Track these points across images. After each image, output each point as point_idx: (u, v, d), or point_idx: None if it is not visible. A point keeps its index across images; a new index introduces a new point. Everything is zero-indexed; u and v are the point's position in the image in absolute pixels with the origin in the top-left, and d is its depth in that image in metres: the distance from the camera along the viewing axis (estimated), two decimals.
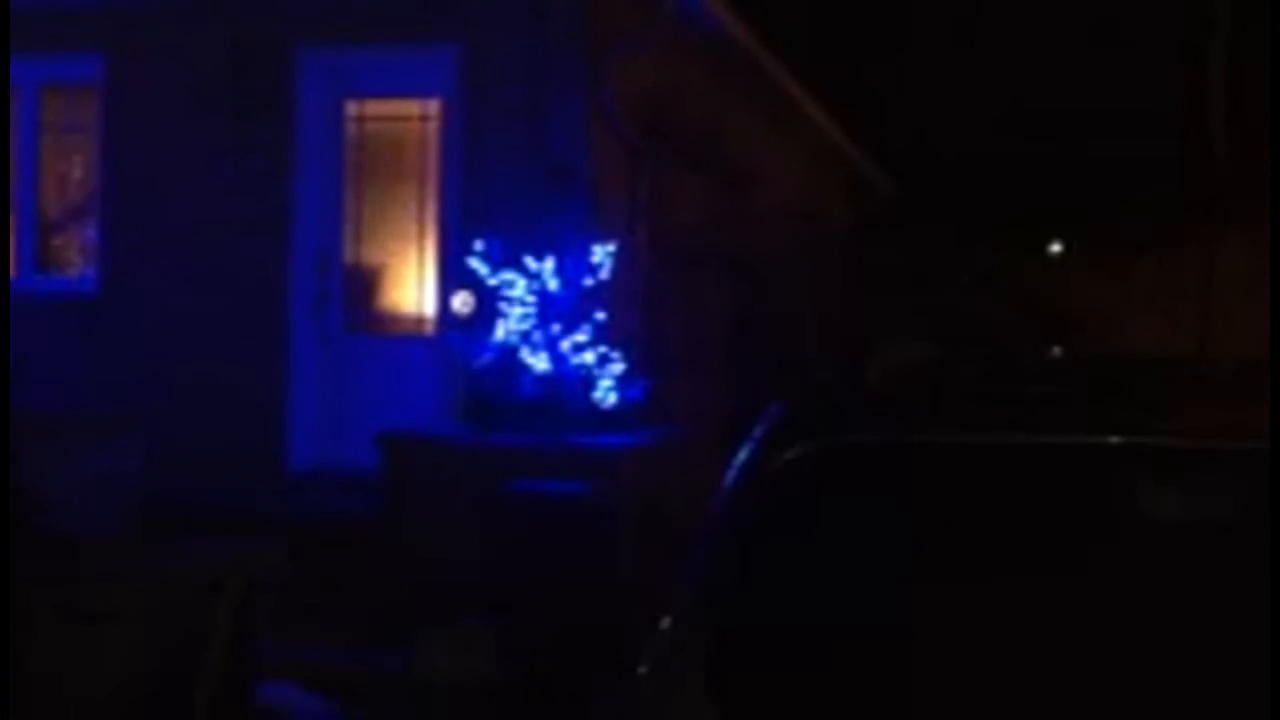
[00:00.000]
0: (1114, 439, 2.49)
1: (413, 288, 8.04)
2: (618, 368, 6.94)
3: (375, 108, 8.11)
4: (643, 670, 2.61)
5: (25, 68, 8.34)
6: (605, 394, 6.90)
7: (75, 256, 8.86)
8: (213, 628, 4.47)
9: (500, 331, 6.94)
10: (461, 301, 7.10)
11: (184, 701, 4.54)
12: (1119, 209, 16.72)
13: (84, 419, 7.28)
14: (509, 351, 6.91)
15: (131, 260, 8.10)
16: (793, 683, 2.36)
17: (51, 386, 7.44)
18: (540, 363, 6.86)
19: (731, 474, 2.84)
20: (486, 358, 6.92)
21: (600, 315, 6.94)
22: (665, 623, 2.74)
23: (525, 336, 6.90)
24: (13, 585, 4.55)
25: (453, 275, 7.57)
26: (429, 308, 7.92)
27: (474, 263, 7.04)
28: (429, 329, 7.89)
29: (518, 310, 6.92)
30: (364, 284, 8.09)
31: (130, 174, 8.15)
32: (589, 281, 7.00)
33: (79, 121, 8.52)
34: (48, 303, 8.29)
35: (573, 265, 7.01)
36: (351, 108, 8.03)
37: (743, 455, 2.86)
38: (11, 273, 8.72)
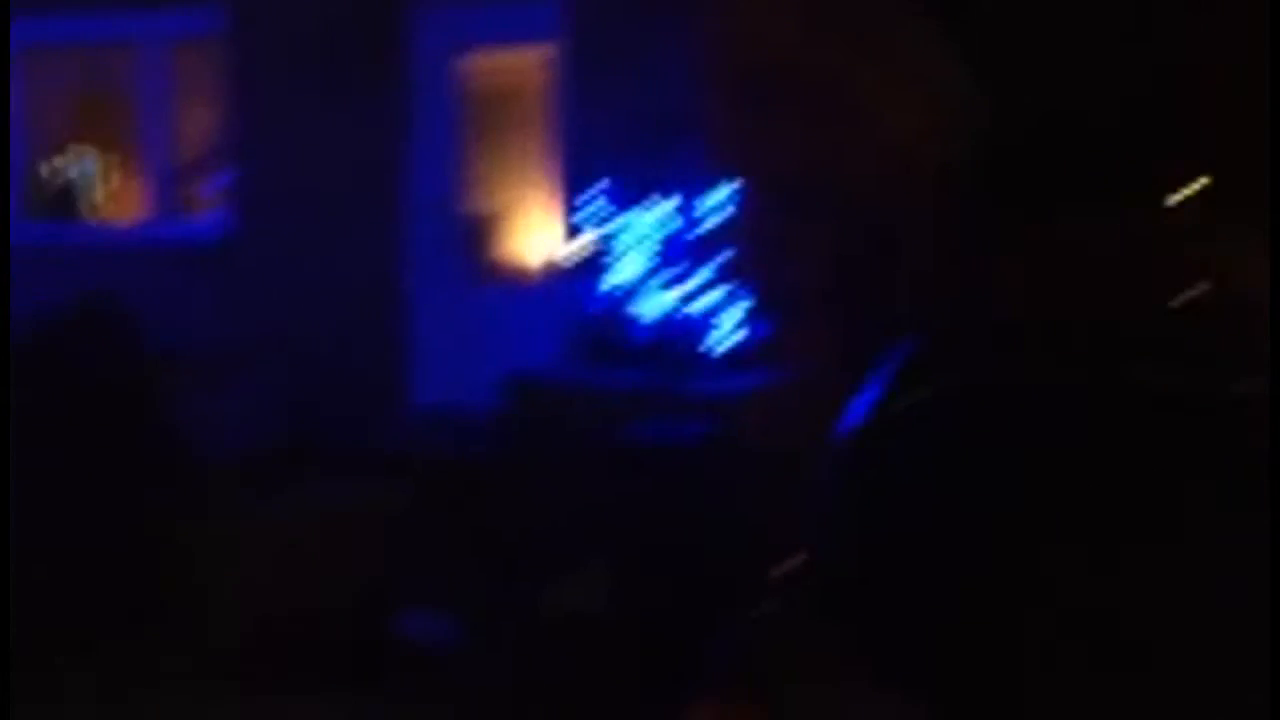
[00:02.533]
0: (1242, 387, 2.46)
1: (531, 234, 8.14)
2: (737, 310, 6.96)
3: (489, 56, 8.17)
4: (766, 608, 2.66)
5: (154, 22, 8.61)
6: (725, 336, 6.93)
7: (206, 204, 9.14)
8: (354, 554, 4.64)
9: (618, 276, 7.00)
10: (580, 246, 7.18)
11: (323, 628, 4.72)
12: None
13: (214, 359, 7.54)
14: (627, 295, 6.98)
15: (259, 208, 8.33)
16: (918, 620, 2.38)
17: (183, 328, 7.72)
18: (659, 306, 6.91)
19: (857, 413, 2.85)
20: (605, 301, 7.00)
21: (718, 257, 6.96)
22: (790, 561, 2.78)
23: (643, 279, 6.96)
24: (150, 514, 4.77)
25: (570, 220, 7.64)
26: (547, 253, 8.01)
27: (591, 207, 7.10)
28: (547, 274, 7.99)
29: (636, 253, 6.97)
30: (483, 230, 8.21)
31: (256, 124, 8.36)
32: (706, 223, 7.02)
33: (206, 72, 8.75)
34: (181, 249, 8.58)
35: (689, 207, 7.04)
36: (468, 56, 8.10)
37: (870, 394, 2.87)
38: (150, 219, 9.05)
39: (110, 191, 10.78)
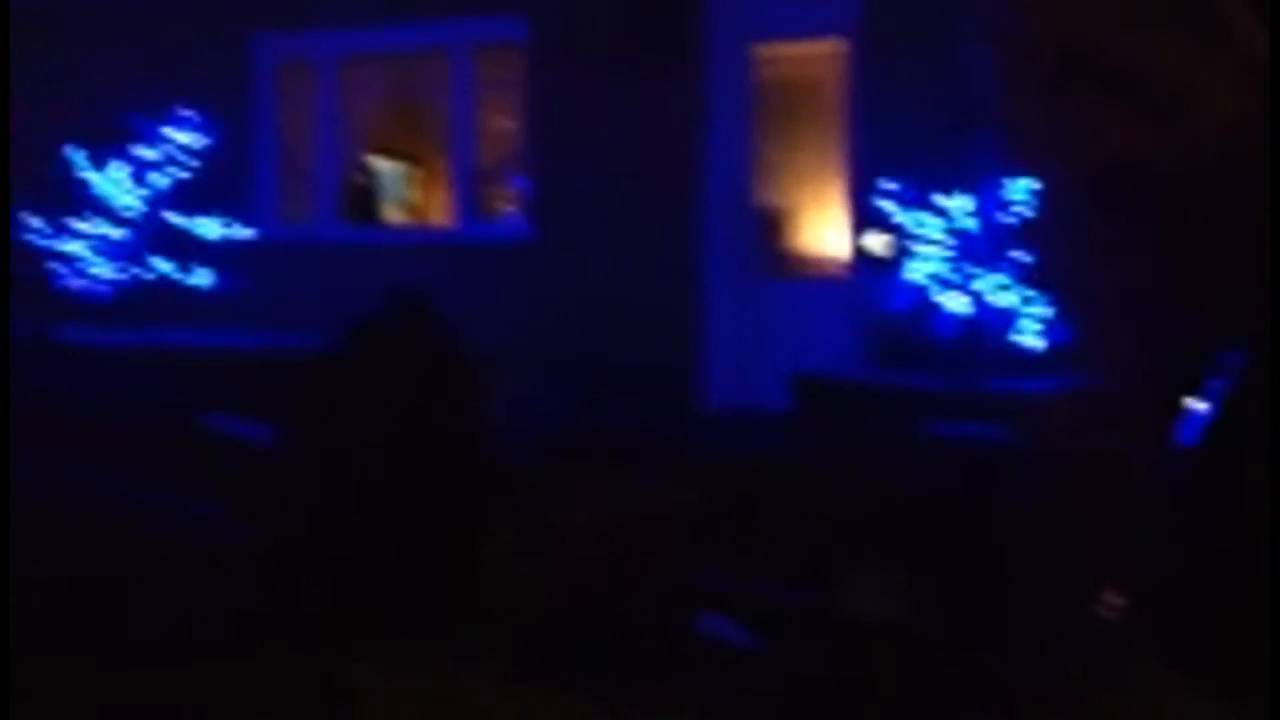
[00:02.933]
0: None
1: (822, 230, 8.05)
2: (1039, 310, 6.66)
3: (782, 49, 8.12)
4: (1100, 620, 2.49)
5: (459, 30, 8.96)
6: (1025, 337, 6.65)
7: (506, 206, 9.46)
8: (651, 553, 4.67)
9: (913, 272, 6.82)
10: (877, 242, 7.03)
11: (624, 619, 4.76)
12: None
13: (511, 357, 7.78)
14: (922, 293, 6.79)
15: (555, 208, 8.55)
16: (1256, 637, 2.19)
17: (483, 327, 8.00)
18: (956, 304, 6.69)
19: (1188, 428, 2.64)
20: (899, 299, 6.83)
21: (1020, 255, 6.68)
22: (1118, 574, 2.60)
23: (939, 277, 6.75)
24: (460, 509, 4.93)
25: (863, 216, 7.51)
26: (839, 249, 7.90)
27: (885, 203, 6.94)
28: (839, 271, 7.88)
29: (931, 250, 6.78)
30: (774, 227, 8.17)
31: (553, 126, 8.58)
32: (1007, 220, 6.74)
33: (506, 78, 9.05)
34: (481, 249, 8.91)
35: (989, 203, 6.78)
36: (760, 50, 8.08)
37: (1201, 409, 2.65)
38: (451, 222, 9.44)
39: (416, 195, 11.33)
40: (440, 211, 10.26)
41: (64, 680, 4.24)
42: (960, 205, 6.74)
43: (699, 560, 5.63)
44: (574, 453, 7.32)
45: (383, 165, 11.15)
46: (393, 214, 11.17)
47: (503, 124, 9.32)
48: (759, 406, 7.71)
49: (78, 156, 8.89)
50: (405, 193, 11.43)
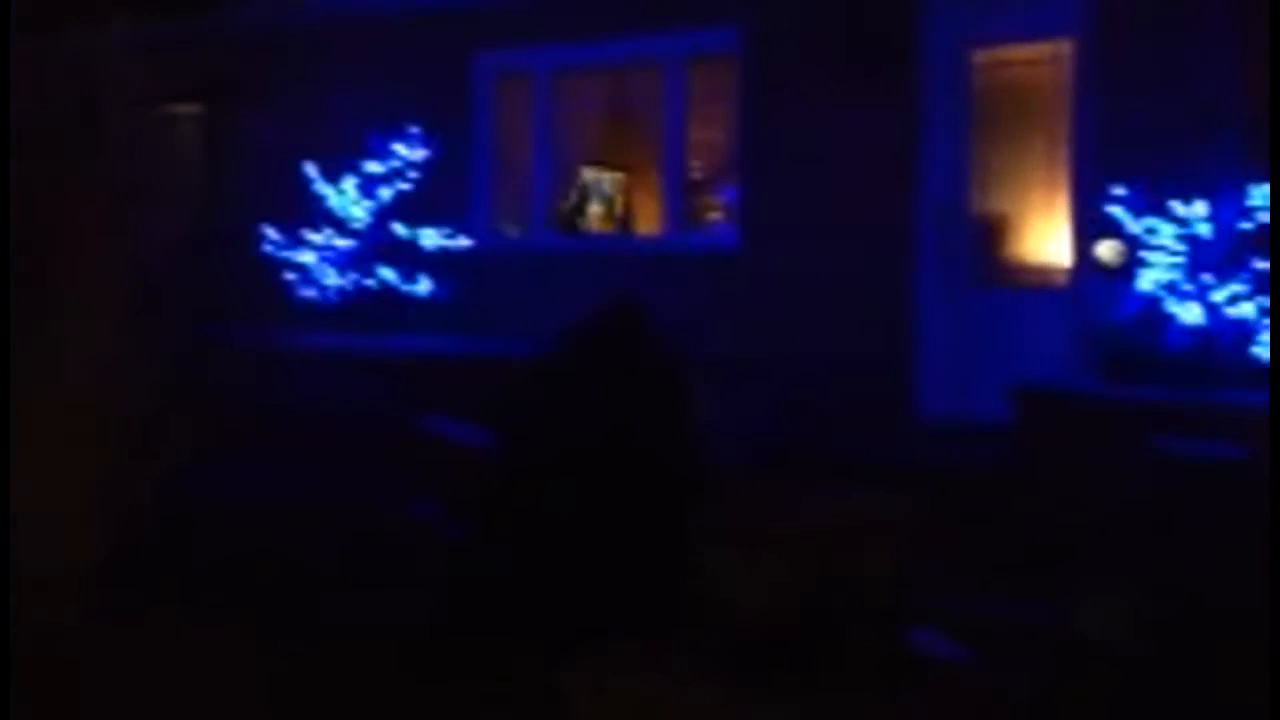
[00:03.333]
0: None
1: (1043, 238, 7.80)
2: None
3: (1002, 53, 7.91)
4: None
5: (672, 42, 9.05)
6: (1263, 349, 6.30)
7: (714, 215, 9.50)
8: (869, 565, 4.59)
9: (1143, 281, 6.54)
10: (1108, 250, 6.76)
11: (839, 632, 4.70)
12: None
13: (727, 364, 7.78)
14: (1153, 302, 6.51)
15: (766, 217, 8.54)
16: None
17: (695, 334, 8.04)
18: (1189, 314, 6.39)
19: None
20: (1128, 309, 6.56)
21: (1260, 264, 6.33)
22: None
23: (1171, 286, 6.46)
24: (674, 514, 4.95)
25: (1087, 223, 7.25)
26: (1060, 258, 7.64)
27: (1114, 209, 6.68)
28: (1060, 280, 7.62)
29: (1163, 258, 6.49)
30: (991, 235, 7.96)
31: (764, 136, 8.57)
32: (1245, 227, 6.40)
33: (717, 89, 9.08)
34: (690, 259, 8.96)
35: (1226, 210, 6.45)
36: (978, 55, 7.89)
37: None
38: (660, 232, 9.53)
39: (626, 205, 11.48)
40: (649, 221, 10.38)
41: (297, 665, 4.45)
42: (1194, 211, 6.43)
43: (914, 573, 5.52)
44: (785, 462, 7.28)
45: (594, 176, 11.35)
46: (603, 224, 11.36)
47: (712, 134, 9.36)
48: (974, 417, 7.52)
49: (313, 172, 9.34)
50: (615, 203, 11.61)
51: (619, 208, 11.62)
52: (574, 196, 11.06)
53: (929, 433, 7.66)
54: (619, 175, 11.48)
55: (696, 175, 9.50)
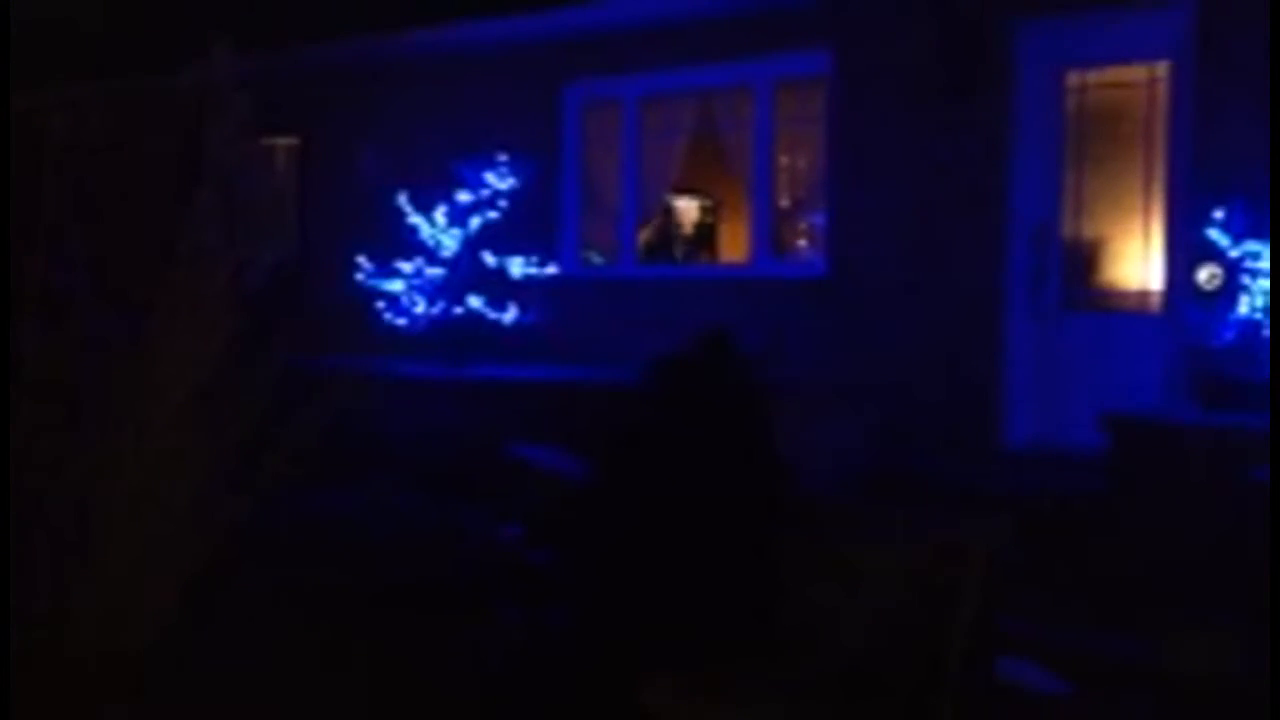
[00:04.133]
0: None
1: (1135, 262, 7.66)
2: None
3: (1096, 76, 7.81)
4: None
5: (762, 67, 9.06)
6: None
7: (804, 241, 9.47)
8: (958, 594, 4.54)
9: (1242, 306, 6.40)
10: (1208, 275, 6.62)
11: (927, 662, 4.65)
12: None
13: (813, 392, 7.75)
14: (1253, 328, 6.36)
15: (853, 243, 8.49)
16: None
17: (783, 361, 8.02)
18: None
19: None
20: (1226, 335, 6.42)
21: None
22: None
23: (1271, 311, 6.30)
24: (767, 543, 4.93)
25: (1181, 247, 7.11)
26: (1154, 282, 7.50)
27: (1211, 232, 6.55)
28: (1154, 305, 7.48)
29: (1262, 283, 6.34)
30: (1082, 259, 7.84)
31: (852, 160, 8.54)
32: None
33: (805, 114, 9.08)
34: (781, 285, 8.94)
35: None
36: (1072, 78, 7.80)
37: None
38: (747, 259, 9.52)
39: (714, 231, 11.50)
40: (737, 248, 10.38)
41: (380, 689, 4.50)
42: None
43: (1008, 603, 5.44)
44: (874, 488, 7.22)
45: (682, 203, 11.39)
46: (691, 251, 11.38)
47: (800, 160, 9.35)
48: (1063, 444, 7.41)
49: (404, 202, 9.50)
50: (703, 230, 11.63)
51: (707, 235, 11.65)
52: (663, 224, 11.11)
53: (1018, 460, 7.56)
54: (706, 202, 11.51)
55: (784, 201, 9.49)
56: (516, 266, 9.41)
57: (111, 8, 11.12)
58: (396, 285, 9.58)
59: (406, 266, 9.51)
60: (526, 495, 5.73)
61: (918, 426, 7.83)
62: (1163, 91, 7.47)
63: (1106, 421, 6.59)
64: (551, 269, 9.54)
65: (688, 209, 11.58)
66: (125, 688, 3.22)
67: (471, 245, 9.47)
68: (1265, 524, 5.34)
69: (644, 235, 10.51)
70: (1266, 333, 6.32)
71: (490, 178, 9.48)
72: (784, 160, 9.41)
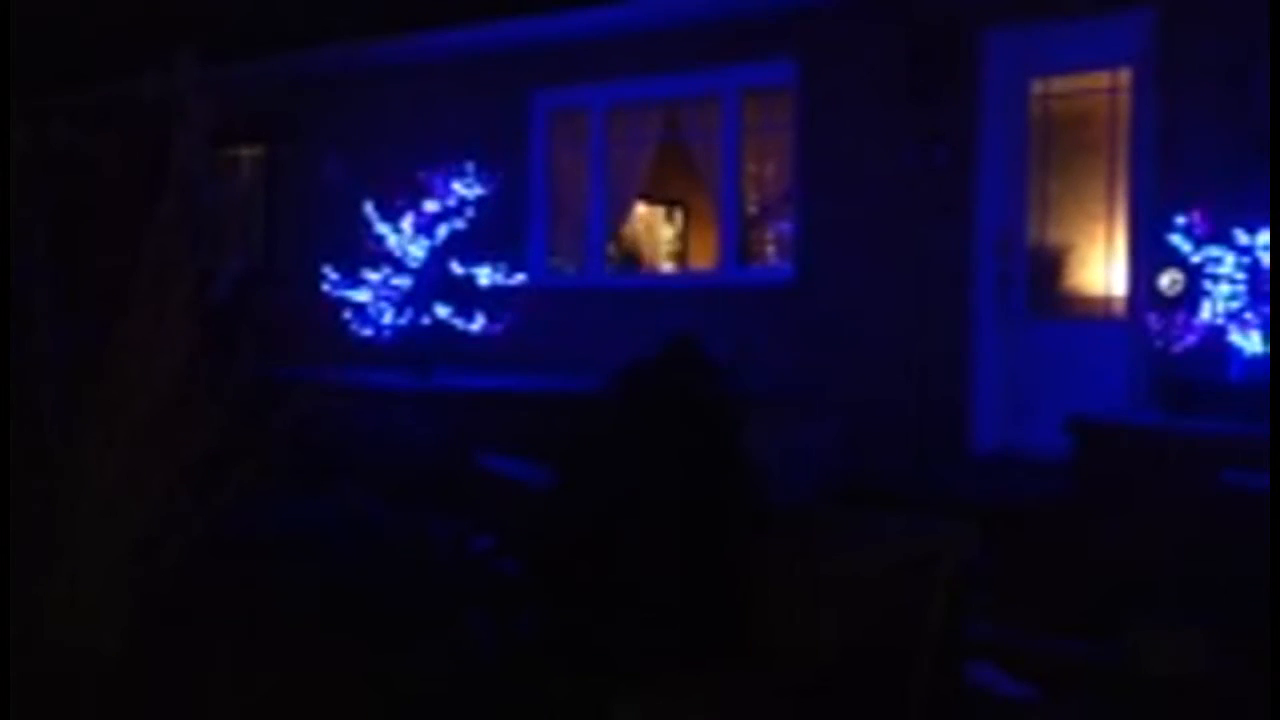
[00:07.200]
0: None
1: (1100, 268, 7.73)
2: None
3: (1060, 83, 7.88)
4: None
5: (728, 76, 9.09)
6: None
7: (771, 249, 9.50)
8: (927, 600, 4.56)
9: (1205, 311, 6.46)
10: (1170, 281, 6.69)
11: (897, 668, 4.67)
12: None
13: (783, 399, 7.77)
14: (1215, 333, 6.42)
15: (821, 251, 8.53)
16: None
17: (751, 369, 8.03)
18: (1252, 345, 6.30)
19: None
20: (1189, 340, 6.48)
21: None
22: None
23: (1234, 316, 6.37)
24: (736, 548, 4.93)
25: (1144, 253, 7.18)
26: (1118, 288, 7.57)
27: (1174, 238, 6.61)
28: (1118, 310, 7.54)
29: (1225, 288, 6.41)
30: (1047, 266, 7.91)
31: (819, 169, 8.58)
32: None
33: (771, 122, 9.11)
34: (748, 292, 8.96)
35: None
36: (1037, 86, 7.86)
37: None
38: (715, 266, 9.54)
39: (681, 239, 11.52)
40: (705, 255, 10.41)
41: (344, 697, 4.47)
42: (1256, 240, 6.35)
43: (974, 608, 5.46)
44: (842, 495, 7.23)
45: (649, 211, 11.41)
46: (658, 259, 11.40)
47: (767, 168, 9.39)
48: (1031, 449, 7.46)
49: (371, 211, 9.46)
50: (670, 238, 11.66)
51: (674, 243, 11.67)
52: (629, 233, 11.12)
53: (985, 466, 7.60)
54: (674, 210, 11.54)
55: (752, 209, 9.52)
56: (484, 276, 9.39)
57: (73, 18, 11.05)
58: (363, 295, 9.53)
59: (374, 276, 9.46)
60: (496, 505, 5.71)
61: (886, 433, 7.87)
62: (1125, 98, 7.54)
63: (1071, 425, 6.64)
64: (519, 278, 9.52)
65: (656, 217, 11.60)
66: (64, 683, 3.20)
67: (439, 254, 9.44)
68: (1231, 526, 5.39)
69: (612, 244, 10.52)
70: (1228, 337, 6.39)
71: (457, 187, 9.45)
72: (751, 169, 9.44)
